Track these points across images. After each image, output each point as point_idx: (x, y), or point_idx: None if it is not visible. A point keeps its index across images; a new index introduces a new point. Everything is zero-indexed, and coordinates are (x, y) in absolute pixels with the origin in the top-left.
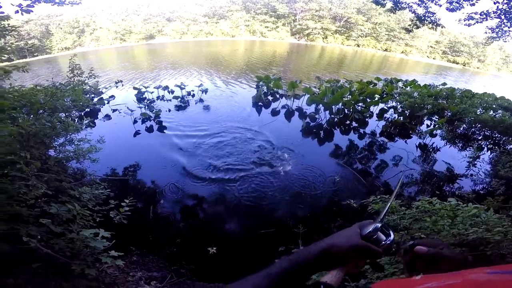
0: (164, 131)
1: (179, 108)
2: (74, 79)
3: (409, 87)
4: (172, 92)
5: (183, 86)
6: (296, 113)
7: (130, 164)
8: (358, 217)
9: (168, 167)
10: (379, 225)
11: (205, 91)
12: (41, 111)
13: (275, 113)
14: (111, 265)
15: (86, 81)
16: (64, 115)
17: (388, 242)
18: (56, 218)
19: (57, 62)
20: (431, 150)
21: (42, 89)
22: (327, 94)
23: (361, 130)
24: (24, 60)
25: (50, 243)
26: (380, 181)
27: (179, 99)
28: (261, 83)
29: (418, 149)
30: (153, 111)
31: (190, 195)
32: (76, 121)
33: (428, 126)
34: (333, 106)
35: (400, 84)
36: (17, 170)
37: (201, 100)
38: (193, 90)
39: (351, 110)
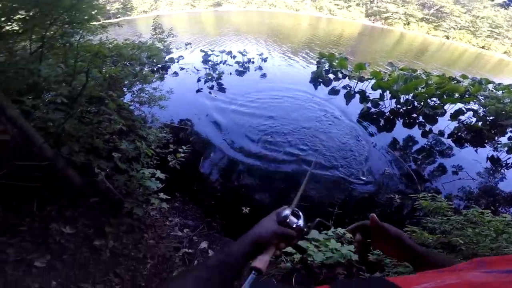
0: (224, 91)
1: (239, 72)
2: (156, 36)
3: (501, 91)
4: (234, 57)
5: (244, 53)
6: (357, 96)
7: (190, 116)
8: (396, 212)
9: (223, 124)
10: (289, 211)
11: (264, 59)
12: (126, 62)
13: (334, 91)
14: (155, 207)
15: (165, 39)
16: (139, 68)
17: (299, 224)
18: (124, 155)
19: (136, 24)
20: (504, 165)
21: (128, 44)
22: (398, 82)
23: (428, 127)
24: (109, 20)
25: (112, 179)
26: (433, 184)
27: (240, 65)
28: (323, 60)
29: (489, 161)
30: (216, 73)
31: (238, 155)
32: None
33: (510, 139)
34: (402, 96)
35: (490, 86)
36: (104, 105)
37: (260, 68)
38: (253, 58)
39: (422, 103)
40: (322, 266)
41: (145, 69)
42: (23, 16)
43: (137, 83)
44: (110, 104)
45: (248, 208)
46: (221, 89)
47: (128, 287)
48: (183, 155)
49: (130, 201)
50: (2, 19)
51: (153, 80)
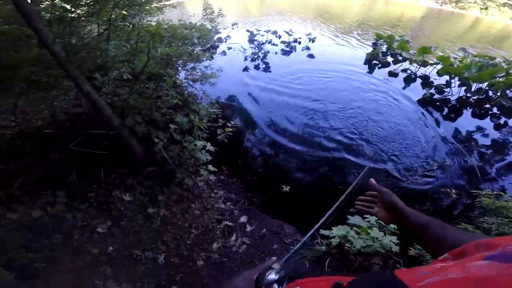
0: (270, 70)
1: (285, 52)
2: (207, 17)
3: None
4: (280, 37)
5: (291, 33)
6: (419, 81)
7: (237, 94)
8: (449, 207)
9: (268, 103)
10: (275, 275)
11: (312, 39)
12: (180, 42)
13: (391, 74)
14: (202, 179)
15: (215, 20)
16: (192, 48)
17: None
18: (178, 127)
19: (188, 5)
20: None
21: (181, 25)
22: (471, 69)
23: (503, 120)
24: (163, 3)
25: (167, 150)
26: (499, 182)
27: (286, 44)
28: (380, 41)
29: None
30: (262, 52)
31: (282, 134)
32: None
33: None
34: (474, 84)
35: None
36: (163, 81)
37: (307, 48)
38: (300, 38)
39: (498, 93)
40: (358, 254)
41: (197, 48)
42: (89, 1)
43: (190, 61)
44: (168, 81)
45: (288, 187)
46: (267, 68)
47: (172, 255)
48: (231, 129)
49: (181, 171)
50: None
51: (204, 59)
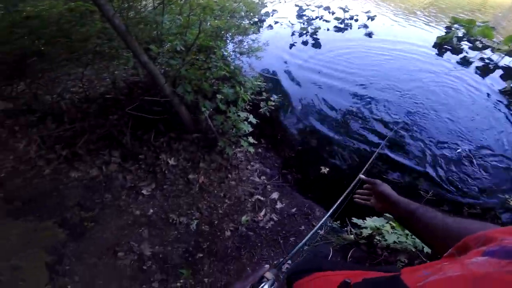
0: (320, 47)
1: (338, 29)
2: None
3: None
4: (333, 13)
5: (346, 9)
6: (499, 71)
7: (282, 68)
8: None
9: (315, 80)
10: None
11: (372, 17)
12: (229, 15)
13: (465, 62)
14: (242, 150)
15: None
16: (239, 21)
17: None
18: (224, 98)
19: None
20: None
21: None
22: None
23: None
24: None
25: (212, 119)
26: None
27: (340, 21)
28: (456, 25)
29: None
30: (311, 28)
31: (327, 115)
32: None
33: None
34: None
35: None
36: (213, 53)
37: (365, 26)
38: (357, 15)
39: None
40: (386, 248)
41: (244, 22)
42: None
43: (238, 34)
44: (217, 53)
45: (327, 169)
46: (317, 44)
47: (204, 222)
48: (274, 104)
49: (223, 140)
50: None
51: (251, 32)
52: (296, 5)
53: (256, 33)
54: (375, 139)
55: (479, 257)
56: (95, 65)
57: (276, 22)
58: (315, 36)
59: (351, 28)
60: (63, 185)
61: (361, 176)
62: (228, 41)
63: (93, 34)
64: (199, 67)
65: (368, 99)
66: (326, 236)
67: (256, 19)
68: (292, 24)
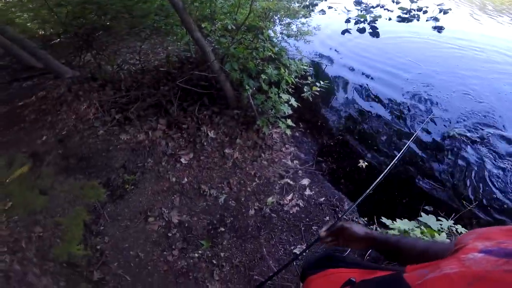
0: (377, 35)
1: (402, 19)
2: None
3: None
4: (398, 3)
5: (414, 0)
6: None
7: (331, 54)
8: None
9: (366, 70)
10: None
11: (445, 11)
12: None
13: None
14: (278, 131)
15: None
16: (289, 4)
17: None
18: (268, 78)
19: None
20: None
21: None
22: None
23: None
24: None
25: (254, 97)
26: None
27: (405, 12)
28: None
29: None
30: (371, 16)
31: (378, 106)
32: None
33: None
34: None
35: None
36: (261, 33)
37: (435, 19)
38: (427, 7)
39: None
40: None
41: (294, 4)
42: None
43: (287, 17)
44: (265, 33)
45: (365, 163)
46: (374, 33)
47: (232, 198)
48: (318, 89)
49: (262, 119)
50: None
51: (301, 16)
52: None
53: (306, 17)
54: (427, 139)
55: (475, 253)
56: (152, 40)
57: (330, 7)
58: (373, 25)
59: (417, 20)
60: (113, 146)
61: (322, 232)
62: (276, 22)
63: (152, 10)
64: (247, 46)
65: (425, 96)
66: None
67: (307, 3)
68: (348, 11)
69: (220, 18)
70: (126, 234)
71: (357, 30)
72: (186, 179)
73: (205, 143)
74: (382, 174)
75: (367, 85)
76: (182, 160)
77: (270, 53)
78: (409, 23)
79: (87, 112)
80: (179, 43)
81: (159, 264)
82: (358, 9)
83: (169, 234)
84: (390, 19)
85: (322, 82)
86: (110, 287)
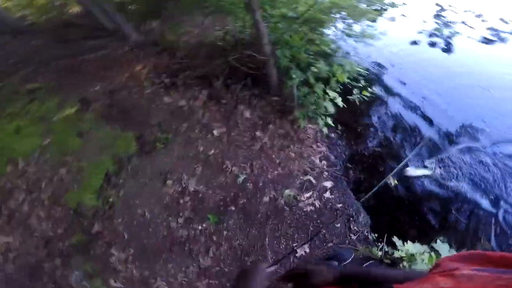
0: (450, 52)
1: (487, 41)
2: None
3: None
4: (485, 21)
5: (507, 21)
6: None
7: (392, 61)
8: None
9: (428, 86)
10: None
11: None
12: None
13: None
14: (314, 128)
15: None
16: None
17: None
18: (317, 72)
19: None
20: None
21: None
22: None
23: None
24: None
25: (298, 89)
26: None
27: (492, 32)
28: None
29: None
30: (448, 31)
31: (429, 128)
32: None
33: None
34: None
35: None
36: (321, 26)
37: None
38: None
39: None
40: None
41: (362, 5)
42: None
43: (352, 16)
44: (324, 28)
45: (395, 181)
46: (447, 49)
47: (250, 180)
48: (368, 95)
49: (301, 111)
50: None
51: (368, 18)
52: (437, 5)
53: (374, 20)
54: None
55: (469, 271)
56: (214, 17)
57: (403, 16)
58: (448, 41)
59: (504, 43)
60: (154, 106)
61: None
62: (339, 20)
63: None
64: (302, 37)
65: (481, 126)
66: (356, 242)
67: (378, 7)
68: (424, 22)
69: (279, 6)
70: (140, 192)
71: (428, 43)
72: (212, 151)
73: (239, 121)
74: None
75: (422, 102)
76: (214, 132)
77: (325, 48)
78: (492, 45)
79: (140, 73)
80: (237, 23)
81: (160, 228)
82: (436, 22)
83: (181, 201)
84: (470, 37)
85: (374, 88)
86: (104, 241)
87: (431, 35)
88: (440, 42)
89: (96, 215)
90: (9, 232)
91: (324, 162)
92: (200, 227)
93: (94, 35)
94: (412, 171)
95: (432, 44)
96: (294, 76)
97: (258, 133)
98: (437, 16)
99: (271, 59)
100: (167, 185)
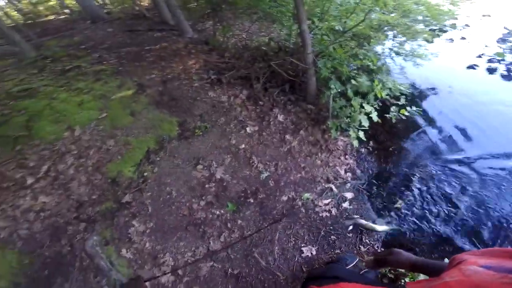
0: (510, 79)
1: None
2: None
3: None
4: None
5: None
6: None
7: (439, 86)
8: None
9: (471, 114)
10: None
11: None
12: (402, 14)
13: None
14: (345, 140)
15: (458, 3)
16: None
17: None
18: (356, 86)
19: None
20: None
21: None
22: None
23: None
24: None
25: (334, 99)
26: None
27: None
28: None
29: None
30: None
31: (457, 160)
32: None
33: None
34: None
35: None
36: (367, 42)
37: None
38: None
39: None
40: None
41: (417, 26)
42: None
43: (403, 35)
44: (372, 43)
45: (402, 203)
46: (507, 77)
47: (273, 178)
48: (407, 114)
49: (334, 122)
50: None
51: (421, 39)
52: (505, 28)
53: (429, 41)
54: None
55: (476, 266)
56: (260, 23)
57: (462, 38)
58: (510, 67)
59: None
60: (200, 98)
61: (367, 259)
62: (389, 37)
63: None
64: (347, 51)
65: None
66: (364, 254)
67: (435, 27)
68: (486, 46)
69: (329, 19)
70: (172, 171)
71: (486, 69)
72: (243, 146)
73: (271, 123)
74: None
75: (465, 134)
76: (248, 129)
77: (369, 64)
78: None
79: (191, 67)
80: (282, 31)
81: (182, 208)
82: (500, 47)
83: (206, 186)
84: None
85: (414, 109)
86: (130, 211)
87: (491, 60)
88: (500, 68)
89: (129, 186)
90: (49, 193)
91: (349, 174)
92: (218, 212)
93: (158, 28)
94: None
95: (491, 70)
96: (332, 86)
97: (288, 137)
98: (503, 40)
99: (311, 68)
100: (197, 169)
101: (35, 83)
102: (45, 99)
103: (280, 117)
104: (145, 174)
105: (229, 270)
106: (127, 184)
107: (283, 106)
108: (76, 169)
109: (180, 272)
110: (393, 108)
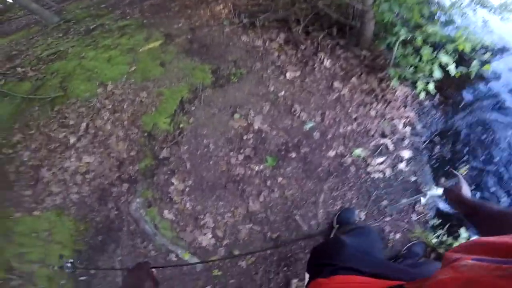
0: None
1: None
2: None
3: None
4: None
5: None
6: None
7: None
8: None
9: None
10: None
11: None
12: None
13: None
14: (407, 91)
15: None
16: None
17: None
18: (427, 35)
19: None
20: None
21: None
22: None
23: None
24: None
25: (398, 46)
26: None
27: None
28: None
29: None
30: None
31: None
32: None
33: None
34: None
35: None
36: None
37: None
38: None
39: None
40: None
41: None
42: None
43: None
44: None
45: (467, 170)
46: None
47: (319, 129)
48: (491, 70)
49: (396, 70)
50: None
51: None
52: None
53: None
54: None
55: (468, 261)
56: None
57: None
58: None
59: None
60: (232, 43)
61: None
62: None
63: None
64: None
65: None
66: (415, 223)
67: None
68: None
69: None
70: (209, 122)
71: None
72: (283, 93)
73: (316, 68)
74: None
75: None
76: (287, 74)
77: (444, 13)
78: None
79: (221, 13)
80: None
81: (220, 163)
82: None
83: (244, 137)
84: None
85: (501, 64)
86: (168, 168)
87: None
88: None
89: (166, 139)
90: (91, 152)
91: (408, 128)
92: (257, 168)
93: None
94: None
95: None
96: (401, 32)
97: (336, 84)
98: None
99: (371, 10)
100: (234, 118)
101: (63, 46)
102: (75, 59)
103: (327, 63)
104: (181, 125)
105: (268, 233)
106: (164, 137)
107: (330, 50)
108: (113, 124)
109: (219, 234)
110: (474, 62)
